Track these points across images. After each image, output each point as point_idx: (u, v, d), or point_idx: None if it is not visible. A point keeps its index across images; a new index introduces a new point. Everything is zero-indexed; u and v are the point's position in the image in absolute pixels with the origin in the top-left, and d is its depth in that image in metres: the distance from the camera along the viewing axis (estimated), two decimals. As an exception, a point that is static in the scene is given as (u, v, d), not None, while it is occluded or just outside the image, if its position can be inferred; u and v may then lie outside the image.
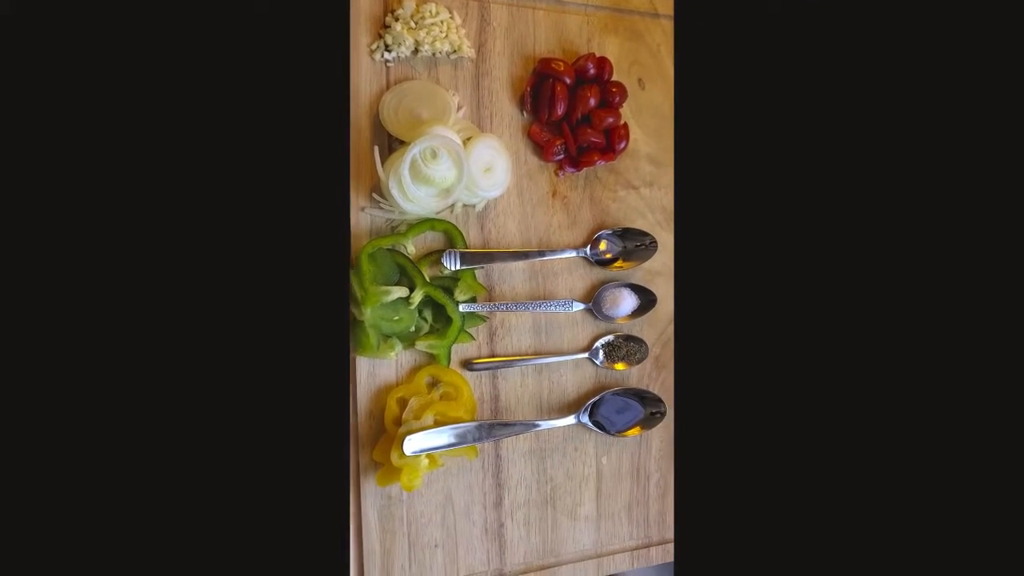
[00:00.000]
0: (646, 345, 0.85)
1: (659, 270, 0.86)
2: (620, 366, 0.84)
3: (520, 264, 0.81)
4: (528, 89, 0.81)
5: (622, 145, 0.83)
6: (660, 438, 0.86)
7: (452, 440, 0.74)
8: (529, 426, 0.78)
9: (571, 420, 0.80)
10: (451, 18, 0.76)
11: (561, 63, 0.80)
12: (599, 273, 0.84)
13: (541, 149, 0.82)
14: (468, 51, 0.77)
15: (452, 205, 0.76)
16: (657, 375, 0.87)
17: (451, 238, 0.77)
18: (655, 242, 0.84)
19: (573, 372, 0.84)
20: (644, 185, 0.86)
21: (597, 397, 0.82)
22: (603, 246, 0.84)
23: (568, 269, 0.84)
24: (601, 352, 0.83)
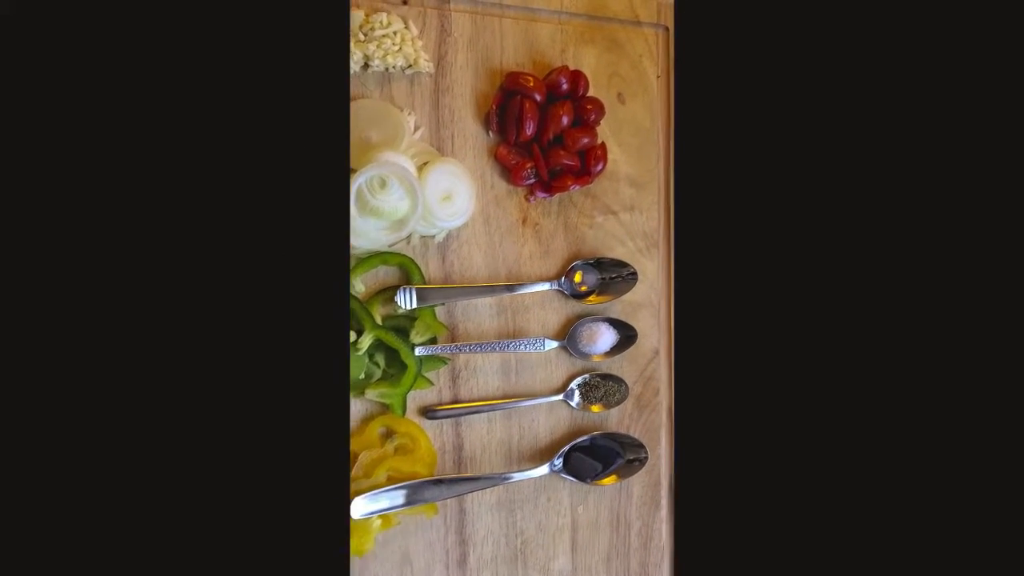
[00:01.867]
0: (626, 385, 0.77)
1: (640, 302, 0.79)
2: (597, 408, 0.77)
3: (487, 299, 0.74)
4: (494, 107, 0.73)
5: (599, 167, 0.75)
6: (642, 484, 0.79)
7: (408, 499, 0.67)
8: (497, 480, 0.71)
9: (543, 470, 0.73)
10: (406, 29, 0.69)
11: (531, 78, 0.73)
12: (574, 307, 0.77)
13: (509, 173, 0.74)
14: (426, 65, 0.70)
15: (408, 237, 0.69)
16: (638, 416, 0.79)
17: (406, 273, 0.70)
18: (635, 273, 0.77)
19: (546, 416, 0.76)
20: (624, 210, 0.79)
21: (573, 443, 0.75)
22: (578, 278, 0.76)
23: (540, 303, 0.76)
24: (577, 393, 0.76)
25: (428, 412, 0.71)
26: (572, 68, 0.75)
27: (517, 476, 0.72)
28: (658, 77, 0.80)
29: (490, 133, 0.75)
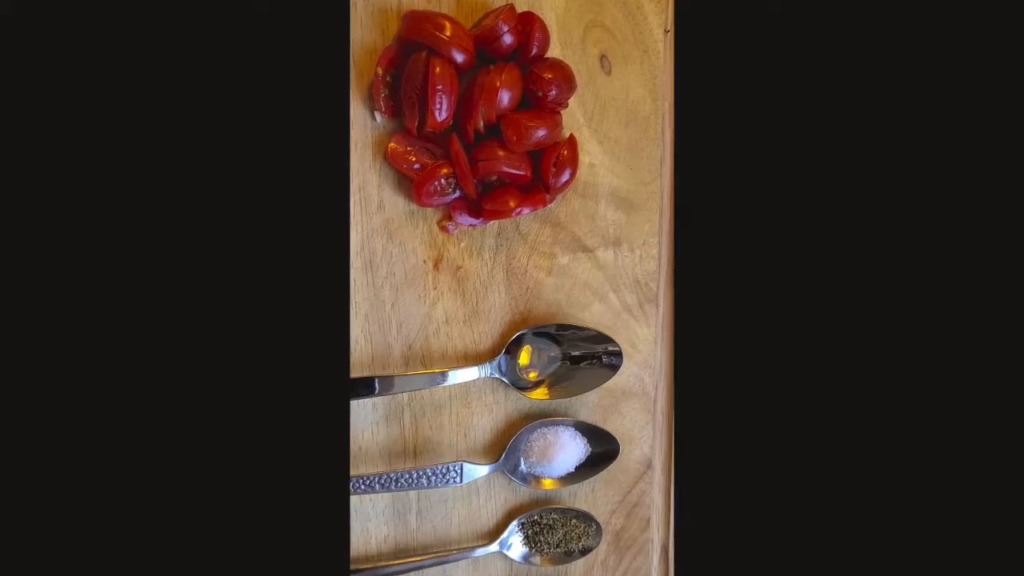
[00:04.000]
0: (596, 523, 0.49)
1: (626, 389, 0.50)
2: (545, 561, 0.48)
3: (368, 400, 0.44)
4: (381, 72, 0.43)
5: (564, 177, 0.45)
6: (620, 662, 0.51)
7: None
8: None
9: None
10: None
11: (446, 23, 0.43)
12: (518, 402, 0.48)
13: (410, 183, 0.45)
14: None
15: None
16: (616, 561, 0.51)
17: None
18: (618, 352, 0.48)
19: (468, 574, 0.48)
20: (605, 244, 0.49)
21: (509, 620, 0.46)
22: (525, 358, 0.47)
23: (463, 395, 0.47)
24: (519, 539, 0.48)
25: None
26: (522, 11, 0.45)
27: None
28: (666, 32, 0.50)
29: (376, 115, 0.45)
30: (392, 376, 0.43)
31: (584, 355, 0.48)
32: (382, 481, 0.43)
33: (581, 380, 0.47)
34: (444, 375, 0.44)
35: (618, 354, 0.47)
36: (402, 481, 0.43)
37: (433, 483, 0.44)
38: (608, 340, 0.47)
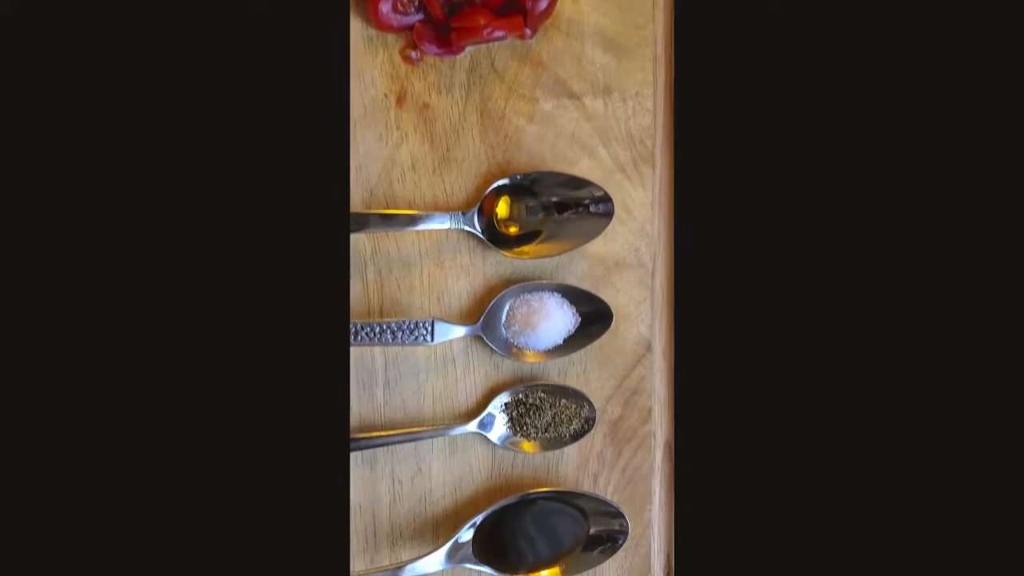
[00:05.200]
0: (589, 402, 0.43)
1: (619, 259, 0.44)
2: (534, 446, 0.43)
3: (325, 244, 0.39)
4: None
5: (542, 4, 0.40)
6: (619, 566, 0.45)
7: None
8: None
9: (437, 563, 0.39)
10: None
11: None
12: (498, 264, 0.43)
13: (366, 2, 0.39)
14: None
15: None
16: (614, 458, 0.45)
17: None
18: (607, 199, 0.42)
19: (444, 459, 0.42)
20: (594, 92, 0.44)
21: (493, 507, 0.41)
22: (504, 209, 0.42)
23: (436, 252, 0.42)
24: (503, 418, 0.42)
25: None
26: None
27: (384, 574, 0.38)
28: None
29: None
30: (367, 214, 0.38)
31: (570, 207, 0.42)
32: (357, 332, 0.37)
33: (568, 234, 0.42)
34: (413, 219, 0.39)
35: (606, 200, 0.42)
36: (363, 334, 0.38)
37: (399, 339, 0.38)
38: (592, 186, 0.42)
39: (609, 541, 0.43)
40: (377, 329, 0.38)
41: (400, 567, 0.38)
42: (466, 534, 0.41)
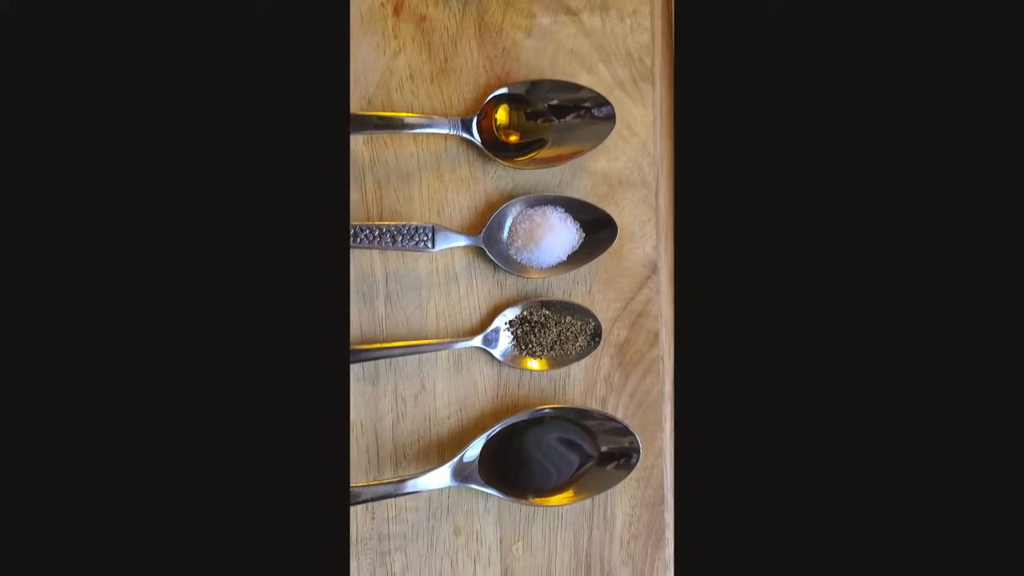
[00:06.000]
0: (596, 320, 0.42)
1: (622, 177, 0.44)
2: (540, 364, 0.42)
3: (323, 151, 0.39)
4: None
5: (539, -90, 0.40)
6: (629, 500, 0.44)
7: None
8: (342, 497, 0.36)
9: (442, 478, 0.38)
10: None
11: None
12: (499, 176, 0.42)
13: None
14: None
15: None
16: (622, 380, 0.44)
17: None
18: (609, 106, 0.42)
19: (449, 377, 0.41)
20: (591, 8, 0.44)
21: (498, 427, 0.40)
22: (503, 116, 0.41)
23: (434, 164, 0.41)
24: (507, 336, 0.41)
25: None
26: None
27: (384, 489, 0.37)
28: None
29: None
30: (367, 115, 0.37)
31: (571, 114, 0.42)
32: (356, 234, 0.37)
33: (570, 141, 0.41)
34: (412, 123, 0.38)
35: (607, 103, 0.41)
36: (362, 236, 0.37)
37: (399, 243, 0.38)
38: (594, 95, 0.41)
39: (623, 457, 0.42)
40: (377, 232, 0.37)
41: (403, 481, 0.37)
42: (472, 451, 0.39)
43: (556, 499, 0.41)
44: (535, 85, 0.41)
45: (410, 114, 0.40)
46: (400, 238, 0.38)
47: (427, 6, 0.41)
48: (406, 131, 0.39)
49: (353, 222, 0.38)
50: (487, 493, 0.40)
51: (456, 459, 0.39)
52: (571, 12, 0.43)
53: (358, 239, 0.37)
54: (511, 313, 0.42)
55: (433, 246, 0.38)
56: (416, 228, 0.38)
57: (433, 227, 0.39)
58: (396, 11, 0.40)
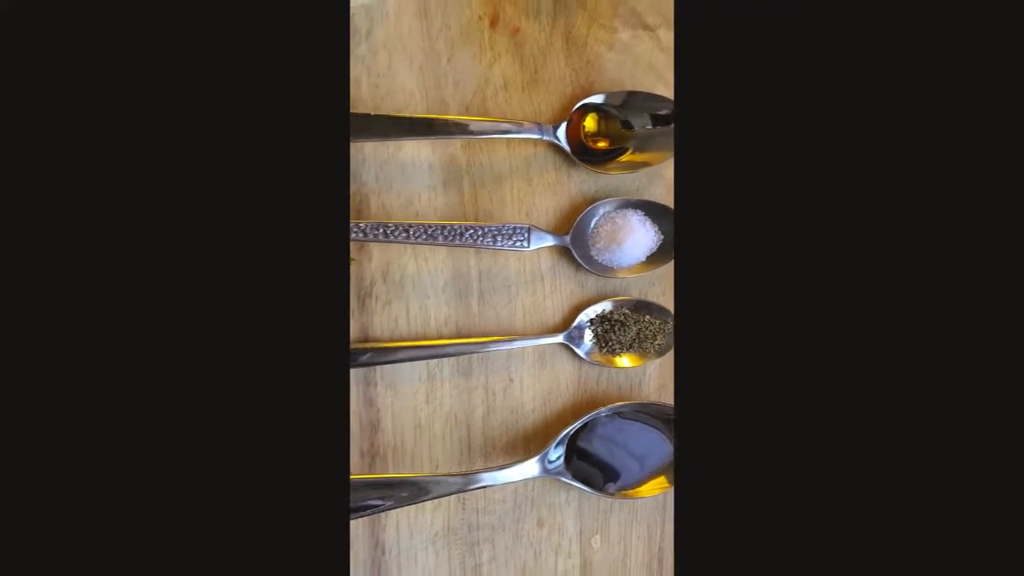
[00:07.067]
0: (674, 319, 0.44)
1: (695, 183, 0.46)
2: (624, 360, 0.43)
3: (424, 151, 0.41)
4: None
5: (626, -67, 0.43)
6: (699, 497, 0.45)
7: None
8: (443, 487, 0.37)
9: (532, 469, 0.40)
10: None
11: None
12: (584, 180, 0.44)
13: (466, -74, 0.42)
14: None
15: None
16: (693, 380, 0.46)
17: None
18: (691, 119, 0.44)
19: (534, 372, 0.43)
20: (666, 25, 0.46)
21: (581, 423, 0.41)
22: (592, 125, 0.43)
23: (525, 168, 0.43)
24: (589, 333, 0.43)
25: (308, 355, 0.38)
26: None
27: (481, 479, 0.38)
28: None
29: None
30: (456, 120, 0.39)
31: (652, 125, 0.44)
32: (445, 232, 0.39)
33: (652, 149, 0.44)
34: (509, 128, 0.40)
35: (691, 116, 0.43)
36: (467, 235, 0.39)
37: (499, 243, 0.39)
38: (670, 102, 0.44)
39: (696, 455, 0.43)
40: (480, 232, 0.39)
41: (494, 470, 0.39)
42: (559, 444, 0.41)
43: (637, 492, 0.43)
44: (625, 95, 0.43)
45: (505, 119, 0.42)
46: (500, 238, 0.40)
47: (520, 20, 0.43)
48: (501, 136, 0.41)
49: (452, 222, 0.40)
50: (571, 486, 0.42)
51: (545, 452, 0.40)
52: (648, 28, 0.46)
53: (464, 238, 0.39)
54: (592, 311, 0.44)
55: (529, 245, 0.40)
56: (514, 228, 0.40)
57: (529, 227, 0.40)
58: (492, 24, 0.43)
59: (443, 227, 0.39)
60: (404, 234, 0.38)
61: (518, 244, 0.40)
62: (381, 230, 0.38)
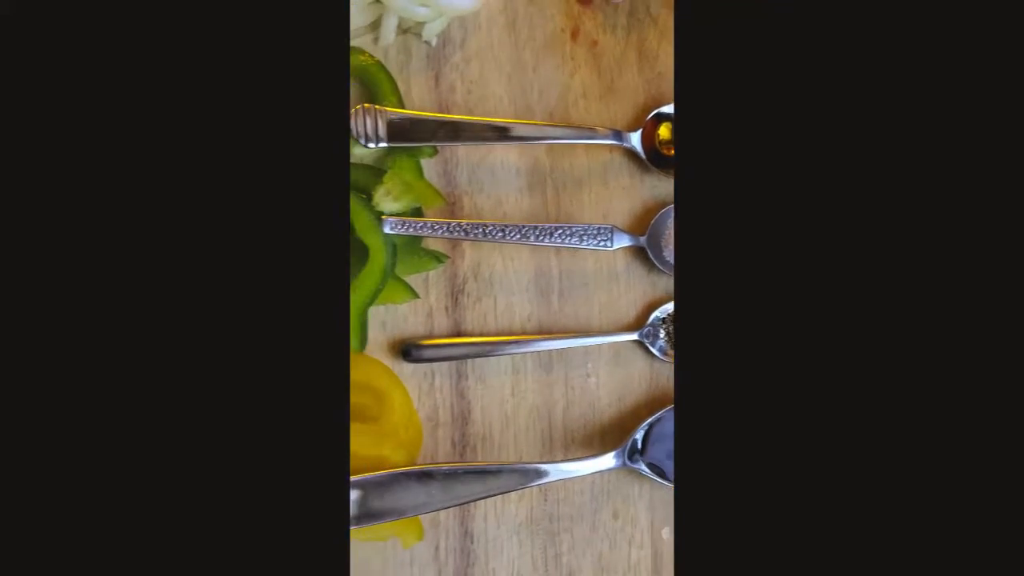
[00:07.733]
0: (741, 321, 0.46)
1: (758, 189, 0.48)
2: (696, 358, 0.45)
3: (512, 155, 0.43)
4: None
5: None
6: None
7: (367, 509, 0.35)
8: (528, 476, 0.39)
9: (609, 461, 0.42)
10: None
11: None
12: (658, 184, 0.46)
13: (550, -56, 0.44)
14: None
15: (378, 24, 0.39)
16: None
17: (370, 86, 0.39)
18: (759, 128, 0.46)
19: (610, 368, 0.45)
20: (730, 38, 0.49)
21: (656, 417, 0.43)
22: (665, 133, 0.46)
23: (602, 172, 0.45)
24: (663, 332, 0.45)
25: (409, 350, 0.40)
26: None
27: (562, 472, 0.40)
28: None
29: None
30: (540, 126, 0.42)
31: (722, 134, 0.46)
32: (536, 232, 0.41)
33: (722, 157, 0.46)
34: (589, 135, 0.43)
35: (761, 125, 0.46)
36: (556, 235, 0.41)
37: (584, 242, 0.41)
38: (748, 115, 0.46)
39: (764, 449, 0.45)
40: (567, 231, 0.41)
41: (532, 469, 0.40)
42: (637, 437, 0.42)
43: (704, 485, 0.45)
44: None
45: (585, 125, 0.44)
46: (585, 237, 0.42)
47: (598, 33, 0.46)
48: (582, 140, 0.43)
49: (535, 223, 0.42)
50: (642, 479, 0.43)
51: (620, 447, 0.42)
52: (713, 42, 0.48)
53: (552, 237, 0.41)
54: (665, 311, 0.46)
55: (612, 245, 0.42)
56: (599, 228, 0.42)
57: (612, 228, 0.42)
58: (573, 36, 0.45)
59: (534, 227, 0.41)
60: (500, 233, 0.40)
61: (602, 244, 0.42)
62: (480, 229, 0.40)
